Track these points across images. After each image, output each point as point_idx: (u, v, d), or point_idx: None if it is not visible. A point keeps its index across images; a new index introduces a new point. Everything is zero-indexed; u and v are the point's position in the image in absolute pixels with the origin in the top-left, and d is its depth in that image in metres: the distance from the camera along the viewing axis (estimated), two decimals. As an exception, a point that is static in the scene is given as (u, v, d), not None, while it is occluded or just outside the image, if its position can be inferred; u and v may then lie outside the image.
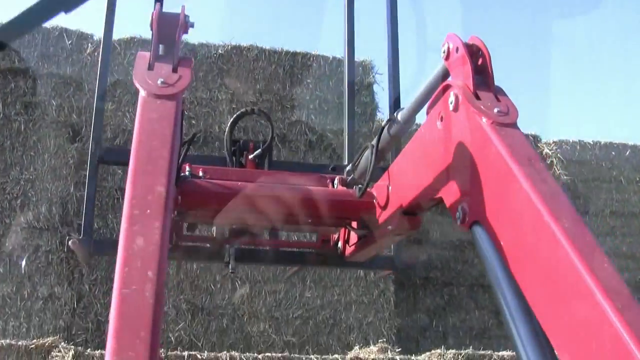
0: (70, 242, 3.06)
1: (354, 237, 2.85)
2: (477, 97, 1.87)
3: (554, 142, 9.48)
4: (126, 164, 1.71)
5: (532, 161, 1.67)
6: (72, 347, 5.06)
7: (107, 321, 5.92)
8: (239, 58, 7.07)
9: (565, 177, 9.12)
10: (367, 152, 2.63)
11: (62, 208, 6.32)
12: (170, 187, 1.70)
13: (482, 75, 1.92)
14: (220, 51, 7.07)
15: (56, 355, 4.95)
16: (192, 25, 2.34)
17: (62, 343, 5.06)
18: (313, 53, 7.33)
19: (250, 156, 3.20)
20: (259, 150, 3.19)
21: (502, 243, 1.67)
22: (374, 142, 2.52)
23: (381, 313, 6.45)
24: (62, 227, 6.27)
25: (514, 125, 1.79)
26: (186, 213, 2.61)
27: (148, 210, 1.59)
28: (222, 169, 2.91)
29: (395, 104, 3.56)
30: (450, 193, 1.96)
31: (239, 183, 2.63)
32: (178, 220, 2.75)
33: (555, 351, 1.46)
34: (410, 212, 2.33)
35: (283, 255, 3.42)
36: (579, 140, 9.56)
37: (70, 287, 6.08)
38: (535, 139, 9.33)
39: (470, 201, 1.83)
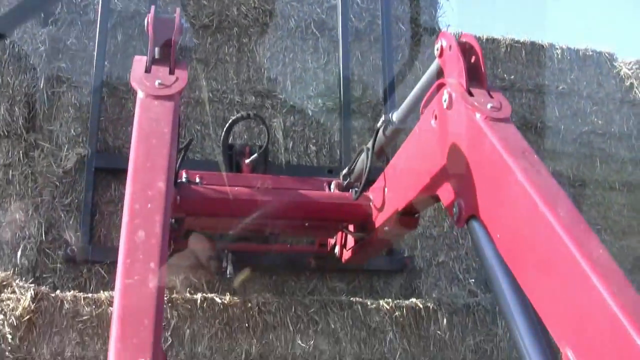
0: (68, 250, 3.29)
1: (351, 240, 2.87)
2: (471, 94, 1.93)
3: (631, 61, 7.94)
4: (122, 170, 1.74)
5: (526, 154, 1.71)
6: (32, 286, 3.52)
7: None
8: None
9: (649, 102, 7.57)
10: (363, 155, 2.77)
11: (27, 108, 4.62)
12: (170, 184, 1.74)
13: (475, 72, 1.97)
14: None
15: (8, 298, 3.40)
16: (187, 29, 2.46)
17: (17, 281, 3.53)
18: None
19: (247, 161, 3.26)
20: (255, 154, 3.27)
21: (498, 235, 1.72)
22: (370, 144, 2.64)
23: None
24: (28, 133, 4.60)
25: (507, 119, 1.85)
26: (183, 220, 2.65)
27: (149, 205, 1.62)
28: (219, 174, 2.98)
29: (388, 96, 3.80)
30: (446, 191, 2.00)
31: (236, 189, 2.71)
32: (176, 229, 2.70)
33: (553, 340, 1.47)
34: (407, 212, 2.42)
35: (281, 261, 3.57)
36: (662, 58, 7.99)
37: (36, 213, 4.42)
38: (610, 57, 7.79)
39: (466, 196, 1.86)
